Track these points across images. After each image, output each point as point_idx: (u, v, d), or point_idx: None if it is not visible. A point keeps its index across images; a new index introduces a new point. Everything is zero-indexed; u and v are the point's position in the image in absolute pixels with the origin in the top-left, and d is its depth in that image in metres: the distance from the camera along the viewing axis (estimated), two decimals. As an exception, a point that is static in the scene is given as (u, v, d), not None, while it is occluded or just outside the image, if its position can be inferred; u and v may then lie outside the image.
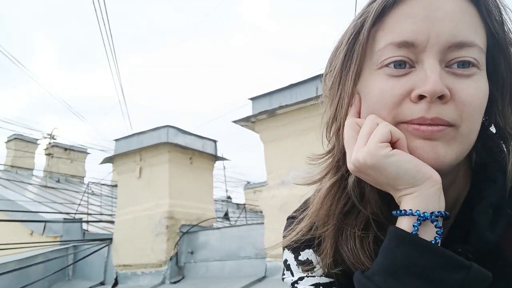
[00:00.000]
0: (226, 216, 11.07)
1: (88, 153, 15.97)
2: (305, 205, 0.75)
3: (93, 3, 6.33)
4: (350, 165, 0.58)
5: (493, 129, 0.64)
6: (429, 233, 0.53)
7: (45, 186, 12.24)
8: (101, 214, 9.00)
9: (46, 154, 14.36)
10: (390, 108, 0.57)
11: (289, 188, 4.17)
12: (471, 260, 0.54)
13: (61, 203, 9.92)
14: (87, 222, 7.66)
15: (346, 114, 0.62)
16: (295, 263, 0.69)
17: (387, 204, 0.61)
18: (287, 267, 0.70)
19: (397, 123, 0.57)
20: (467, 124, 0.55)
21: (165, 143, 5.66)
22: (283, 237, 0.74)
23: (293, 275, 0.69)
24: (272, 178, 4.38)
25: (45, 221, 7.32)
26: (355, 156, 0.57)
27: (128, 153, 6.04)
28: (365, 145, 0.56)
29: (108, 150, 11.34)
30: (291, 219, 0.75)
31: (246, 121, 4.59)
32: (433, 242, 0.53)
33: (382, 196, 0.61)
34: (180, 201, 5.71)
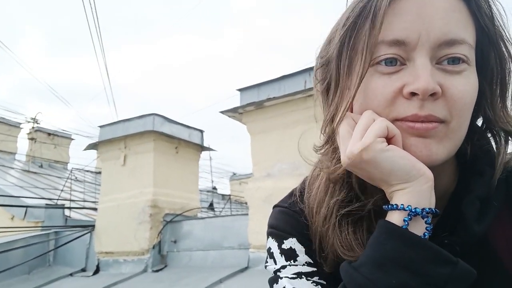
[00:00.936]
0: (211, 207, 11.08)
1: (73, 139, 15.74)
2: (292, 195, 0.75)
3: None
4: (344, 159, 0.58)
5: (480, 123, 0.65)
6: (419, 228, 0.54)
7: (28, 171, 12.06)
8: (84, 201, 8.92)
9: (29, 139, 14.12)
10: (383, 106, 0.57)
11: (275, 180, 4.18)
12: (458, 252, 0.55)
13: (43, 189, 9.80)
14: (70, 208, 7.59)
15: (348, 110, 0.62)
16: (278, 251, 0.70)
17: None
18: (271, 255, 0.71)
19: (391, 121, 0.57)
20: (458, 120, 0.56)
21: (150, 131, 5.62)
22: (269, 224, 0.74)
23: (276, 263, 0.69)
24: (257, 170, 4.38)
25: (27, 206, 7.22)
26: (350, 150, 0.57)
27: (113, 140, 5.97)
28: (360, 140, 0.56)
29: (93, 137, 11.22)
30: (277, 207, 0.76)
31: (234, 112, 4.58)
32: (422, 237, 0.54)
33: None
34: (165, 190, 5.68)
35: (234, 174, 19.61)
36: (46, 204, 7.40)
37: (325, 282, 0.66)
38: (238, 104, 4.55)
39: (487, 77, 0.61)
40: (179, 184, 5.96)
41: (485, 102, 0.62)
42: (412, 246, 0.52)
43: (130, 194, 5.69)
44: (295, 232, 0.70)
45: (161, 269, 5.26)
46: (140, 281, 5.01)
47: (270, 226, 0.74)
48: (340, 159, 0.61)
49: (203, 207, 9.18)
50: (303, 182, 0.76)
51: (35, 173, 12.04)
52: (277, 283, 0.67)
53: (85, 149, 6.48)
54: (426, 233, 0.54)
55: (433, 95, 0.55)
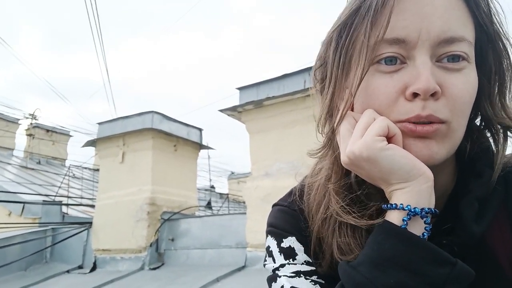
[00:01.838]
0: (208, 205, 11.07)
1: (71, 136, 15.71)
2: (291, 194, 0.75)
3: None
4: (344, 158, 0.58)
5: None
6: (418, 228, 0.54)
7: (25, 167, 12.03)
8: (82, 198, 8.90)
9: (27, 135, 14.09)
10: (385, 106, 0.57)
11: (273, 179, 4.18)
12: (456, 253, 0.55)
13: (41, 185, 9.79)
14: (67, 205, 7.57)
15: (349, 109, 0.61)
16: (277, 249, 0.69)
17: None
18: (269, 253, 0.71)
19: (393, 122, 0.57)
20: (458, 120, 0.56)
21: (149, 128, 5.61)
22: (268, 223, 0.74)
23: (274, 262, 0.69)
24: (256, 169, 4.38)
25: (24, 202, 7.21)
26: (350, 149, 0.57)
27: (111, 137, 5.96)
28: (361, 138, 0.56)
29: (91, 134, 11.19)
30: (276, 206, 0.76)
31: (233, 111, 4.58)
32: (421, 237, 0.54)
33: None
34: (163, 188, 5.68)
35: (233, 173, 19.61)
36: (44, 201, 7.38)
37: (323, 281, 0.65)
38: (237, 103, 4.55)
39: (486, 74, 0.61)
40: (177, 182, 5.96)
41: (483, 99, 0.62)
42: (411, 246, 0.52)
43: (128, 192, 5.68)
44: (294, 231, 0.70)
45: (158, 267, 5.26)
46: (137, 279, 5.01)
47: (270, 224, 0.74)
48: (338, 160, 0.62)
49: (201, 206, 9.17)
50: (303, 181, 0.76)
51: (32, 169, 12.02)
52: (275, 281, 0.67)
53: (83, 146, 6.48)
54: (425, 233, 0.54)
55: (433, 94, 0.54)
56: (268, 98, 4.29)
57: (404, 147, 0.56)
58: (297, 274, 0.66)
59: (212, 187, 16.36)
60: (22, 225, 6.64)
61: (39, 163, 13.57)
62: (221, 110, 4.63)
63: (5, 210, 7.51)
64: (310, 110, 4.04)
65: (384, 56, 0.57)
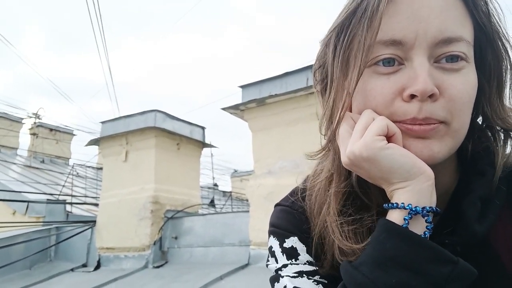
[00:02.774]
0: (212, 203, 11.09)
1: (74, 135, 15.77)
2: (293, 194, 0.75)
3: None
4: (344, 158, 0.58)
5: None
6: (419, 227, 0.54)
7: (29, 166, 12.08)
8: (86, 197, 8.94)
9: (31, 134, 14.14)
10: (382, 107, 0.57)
11: (276, 177, 4.18)
12: (459, 252, 0.55)
13: (45, 184, 9.83)
14: (71, 203, 7.60)
15: (347, 110, 0.62)
16: (279, 250, 0.69)
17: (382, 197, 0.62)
18: (272, 253, 0.71)
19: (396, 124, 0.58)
20: (458, 120, 0.56)
21: (152, 127, 5.62)
22: (271, 223, 0.74)
23: (277, 262, 0.69)
24: (259, 167, 4.38)
25: (28, 201, 7.24)
26: (350, 149, 0.57)
27: (115, 136, 5.97)
28: (360, 138, 0.56)
29: (94, 133, 11.23)
30: (278, 206, 0.76)
31: (235, 109, 4.58)
32: (422, 236, 0.53)
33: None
34: (166, 186, 5.69)
35: (235, 171, 19.63)
36: (48, 200, 7.41)
37: (326, 281, 0.65)
38: (240, 101, 4.55)
39: (485, 73, 0.61)
40: (181, 181, 5.97)
41: (483, 98, 0.62)
42: (412, 245, 0.52)
43: (131, 190, 5.69)
44: (296, 231, 0.70)
45: (161, 265, 5.27)
46: (140, 277, 5.02)
47: (272, 224, 0.74)
48: (339, 162, 0.62)
49: (204, 204, 9.19)
50: (305, 181, 0.76)
51: (36, 168, 12.06)
52: (278, 282, 0.67)
53: (86, 145, 6.49)
54: (426, 232, 0.54)
55: (431, 96, 0.54)
56: (270, 96, 4.28)
57: (404, 147, 0.56)
58: (300, 274, 0.66)
59: (215, 185, 16.38)
60: (26, 224, 6.67)
61: (43, 162, 13.62)
62: (223, 109, 4.63)
63: (10, 209, 7.55)
64: (313, 108, 4.03)
65: (381, 57, 0.57)
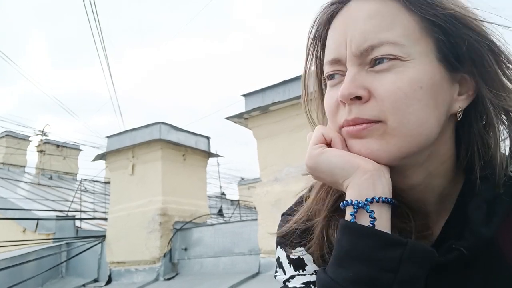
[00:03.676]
0: (220, 213, 11.08)
1: (81, 150, 15.86)
2: (299, 203, 0.75)
3: (83, 1, 6.27)
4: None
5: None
6: (365, 219, 0.56)
7: (38, 184, 12.15)
8: (94, 211, 8.96)
9: (38, 151, 14.25)
10: (330, 116, 0.64)
11: (283, 184, 4.18)
12: (466, 256, 0.55)
13: (53, 200, 9.87)
14: (80, 219, 7.63)
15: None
16: (287, 261, 0.70)
17: None
18: (280, 265, 0.71)
19: (339, 128, 0.62)
20: (395, 117, 0.57)
21: (157, 139, 5.64)
22: (277, 234, 0.74)
23: (285, 273, 0.69)
24: (265, 175, 4.38)
25: (38, 219, 7.27)
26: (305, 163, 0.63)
27: (121, 150, 6.01)
28: None
29: (100, 147, 11.28)
30: (285, 215, 0.76)
31: (239, 118, 4.59)
32: (368, 226, 0.56)
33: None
34: (174, 198, 5.70)
35: (242, 179, 19.61)
36: (57, 216, 7.45)
37: None
38: (243, 110, 4.56)
39: (476, 62, 0.59)
40: (188, 192, 5.97)
41: (483, 90, 0.60)
42: (360, 237, 0.54)
43: (139, 203, 5.71)
44: (302, 241, 0.70)
45: (172, 277, 5.27)
46: (152, 289, 5.02)
47: (278, 235, 0.74)
48: None
49: (212, 214, 9.18)
50: (310, 189, 0.76)
51: (45, 185, 12.13)
52: None
53: (93, 160, 6.53)
54: (371, 221, 0.56)
55: (359, 98, 0.58)
56: (273, 103, 4.29)
57: (349, 149, 0.61)
58: (307, 284, 0.66)
59: (223, 194, 16.37)
60: (37, 242, 6.70)
61: (51, 178, 13.70)
62: (227, 118, 4.64)
63: (20, 227, 7.59)
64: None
65: (327, 74, 0.64)
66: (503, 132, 0.62)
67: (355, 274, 0.53)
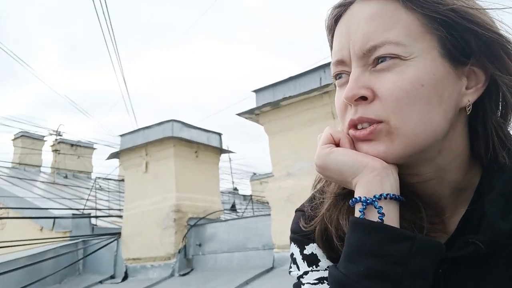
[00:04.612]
0: (233, 208, 11.14)
1: (95, 149, 16.06)
2: (312, 199, 0.76)
3: (93, 3, 6.32)
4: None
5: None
6: (373, 215, 0.57)
7: (53, 183, 12.35)
8: (109, 209, 9.08)
9: (53, 151, 14.46)
10: (340, 117, 0.65)
11: (295, 179, 4.18)
12: (482, 250, 0.55)
13: (69, 199, 10.02)
14: (96, 217, 7.74)
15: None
16: (300, 257, 0.70)
17: None
18: (293, 260, 0.72)
19: (347, 129, 0.63)
20: (397, 117, 0.57)
21: (170, 137, 5.69)
22: (291, 230, 0.75)
23: (299, 269, 0.70)
24: (277, 170, 4.39)
25: (54, 217, 7.40)
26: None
27: (134, 148, 6.07)
28: None
29: (114, 145, 11.40)
30: (299, 212, 0.76)
31: (250, 114, 4.59)
32: (377, 221, 0.57)
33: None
34: (187, 194, 5.74)
35: (255, 174, 19.65)
36: (73, 214, 7.56)
37: None
38: (254, 105, 4.56)
39: (486, 53, 0.59)
40: (201, 188, 6.01)
41: (497, 78, 0.59)
42: (369, 232, 0.56)
43: (153, 200, 5.77)
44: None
45: (187, 273, 5.32)
46: (168, 285, 5.08)
47: (292, 231, 0.75)
48: None
49: (225, 210, 9.23)
50: (324, 185, 0.77)
51: (60, 184, 12.32)
52: None
53: (107, 159, 6.60)
54: (380, 217, 0.57)
55: (365, 99, 0.59)
56: (284, 99, 4.28)
57: (357, 150, 0.62)
58: (320, 280, 0.66)
59: (235, 189, 16.44)
60: (54, 240, 6.81)
61: (66, 177, 13.91)
62: (238, 114, 4.65)
63: (37, 225, 7.73)
64: (328, 107, 4.02)
65: (333, 75, 0.66)
66: None
67: (366, 268, 0.54)
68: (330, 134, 0.65)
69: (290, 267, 0.73)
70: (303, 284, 0.67)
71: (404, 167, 0.62)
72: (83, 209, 8.36)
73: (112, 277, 6.16)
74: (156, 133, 5.82)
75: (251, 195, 15.93)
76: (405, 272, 0.53)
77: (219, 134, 6.43)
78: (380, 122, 0.58)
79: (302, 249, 0.71)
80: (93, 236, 6.86)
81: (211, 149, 6.28)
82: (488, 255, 0.58)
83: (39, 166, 14.72)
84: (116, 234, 6.37)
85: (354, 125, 0.61)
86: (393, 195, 0.58)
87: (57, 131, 14.47)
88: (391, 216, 0.57)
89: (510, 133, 0.63)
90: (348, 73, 0.62)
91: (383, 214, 0.56)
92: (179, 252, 5.47)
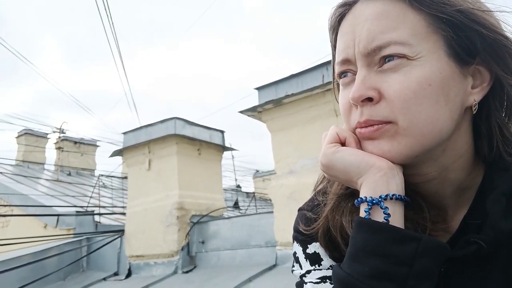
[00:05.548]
0: (236, 205, 11.15)
1: (98, 146, 16.09)
2: (314, 198, 0.76)
3: (96, 2, 6.31)
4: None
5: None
6: (379, 215, 0.57)
7: (57, 180, 12.38)
8: (113, 206, 9.10)
9: (57, 148, 14.50)
10: (345, 117, 0.65)
11: (298, 176, 4.18)
12: (484, 250, 0.56)
13: (73, 196, 10.05)
14: (99, 214, 7.76)
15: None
16: (303, 256, 0.71)
17: None
18: (296, 259, 0.72)
19: (352, 129, 0.63)
20: (405, 117, 0.57)
21: (173, 135, 5.69)
22: (294, 229, 0.75)
23: (301, 268, 0.70)
24: (280, 167, 4.39)
25: (58, 215, 7.43)
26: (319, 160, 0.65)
27: (137, 146, 6.08)
28: None
29: (117, 143, 11.44)
30: (302, 210, 0.77)
31: (253, 111, 4.59)
32: (383, 222, 0.57)
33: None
34: (190, 192, 5.76)
35: (257, 171, 19.65)
36: (77, 211, 7.59)
37: None
38: (256, 103, 4.56)
39: (491, 53, 0.59)
40: (204, 185, 6.02)
41: (502, 78, 0.60)
42: (375, 232, 0.55)
43: (156, 198, 5.78)
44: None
45: (190, 270, 5.34)
46: (171, 282, 5.10)
47: (295, 230, 0.75)
48: None
49: (228, 207, 9.24)
50: (326, 185, 0.77)
51: (64, 181, 12.36)
52: None
53: (110, 156, 6.62)
54: (386, 217, 0.57)
55: (370, 100, 0.59)
56: (287, 96, 4.28)
57: (363, 150, 0.62)
58: (323, 279, 0.67)
59: (238, 186, 16.45)
60: (57, 237, 6.85)
61: (69, 174, 13.94)
62: (241, 112, 4.64)
63: (41, 223, 7.77)
64: (330, 105, 4.01)
65: (338, 72, 0.66)
66: None
67: (370, 268, 0.54)
68: (336, 133, 0.64)
69: (293, 266, 0.73)
70: (306, 283, 0.68)
71: (408, 167, 0.62)
72: (87, 206, 8.39)
73: (116, 274, 6.18)
74: (159, 131, 5.83)
75: (254, 193, 15.93)
76: (410, 273, 0.53)
77: (222, 132, 6.43)
78: (387, 122, 0.58)
79: (305, 248, 0.71)
80: (97, 233, 6.88)
81: (213, 146, 6.28)
82: (490, 255, 0.58)
83: (43, 164, 14.77)
84: (119, 231, 6.39)
85: (360, 127, 0.61)
86: (398, 195, 0.58)
87: (60, 128, 14.50)
88: (397, 217, 0.57)
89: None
90: (353, 72, 0.62)
91: (389, 215, 0.56)
92: (182, 249, 5.49)
